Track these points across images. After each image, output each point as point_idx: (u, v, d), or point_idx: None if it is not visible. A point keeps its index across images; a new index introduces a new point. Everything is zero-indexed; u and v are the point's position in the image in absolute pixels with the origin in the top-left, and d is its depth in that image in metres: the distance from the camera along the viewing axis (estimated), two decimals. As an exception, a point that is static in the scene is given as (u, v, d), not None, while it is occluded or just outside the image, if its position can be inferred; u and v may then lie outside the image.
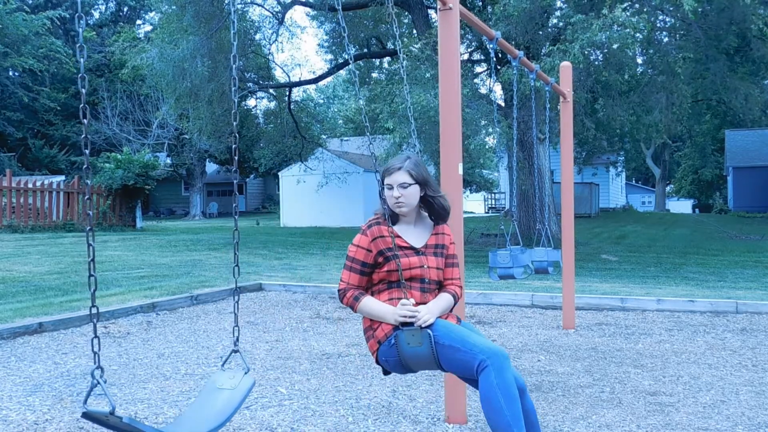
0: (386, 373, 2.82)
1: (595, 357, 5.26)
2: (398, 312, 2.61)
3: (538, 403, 4.02)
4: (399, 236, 2.77)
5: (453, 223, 3.67)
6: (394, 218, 2.80)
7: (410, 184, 2.77)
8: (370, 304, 2.71)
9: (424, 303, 2.71)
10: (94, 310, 2.00)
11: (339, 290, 2.81)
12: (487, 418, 2.51)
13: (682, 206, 47.22)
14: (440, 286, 2.85)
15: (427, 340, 2.55)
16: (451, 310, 2.88)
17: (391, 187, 2.77)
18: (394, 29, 3.29)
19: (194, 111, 18.13)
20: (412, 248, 2.77)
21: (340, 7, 3.12)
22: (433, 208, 2.85)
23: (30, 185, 17.86)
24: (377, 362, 2.77)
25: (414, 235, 2.83)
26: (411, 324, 2.59)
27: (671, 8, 11.40)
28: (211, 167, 39.77)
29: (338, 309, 7.54)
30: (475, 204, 39.97)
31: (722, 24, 12.30)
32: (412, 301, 2.64)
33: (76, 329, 6.23)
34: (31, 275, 9.47)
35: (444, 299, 2.78)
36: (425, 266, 2.76)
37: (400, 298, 2.68)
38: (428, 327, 2.58)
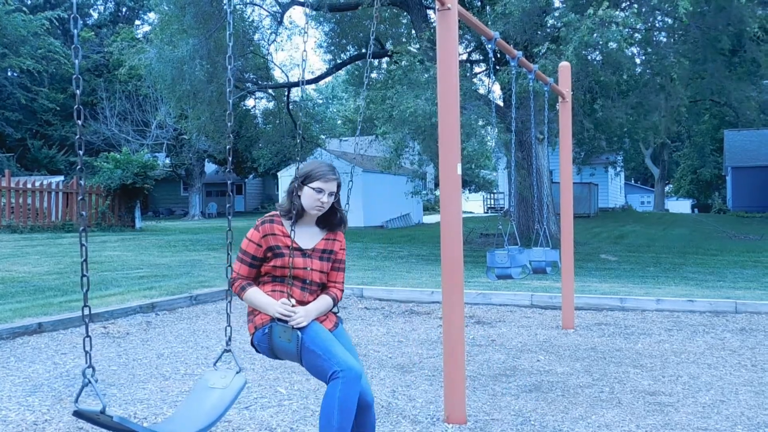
0: (258, 352, 2.98)
1: (595, 357, 5.26)
2: (278, 308, 2.78)
3: (537, 403, 4.03)
4: (290, 236, 2.90)
5: (452, 223, 3.67)
6: (295, 217, 2.92)
7: (336, 194, 2.96)
8: (256, 295, 2.86)
9: (304, 302, 2.88)
10: (86, 311, 2.01)
11: (230, 279, 2.94)
12: (319, 424, 2.70)
13: (681, 206, 47.25)
14: (322, 288, 3.01)
15: (295, 339, 2.74)
16: (337, 312, 3.10)
17: (320, 191, 2.89)
18: (371, 32, 3.30)
19: (193, 111, 18.14)
20: (299, 249, 2.92)
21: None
22: (335, 218, 3.01)
23: (29, 186, 17.85)
24: (251, 344, 2.96)
25: (305, 237, 2.96)
26: (286, 321, 2.77)
27: (669, 8, 11.40)
28: (210, 167, 39.75)
29: (338, 309, 7.53)
30: (474, 204, 39.99)
31: (719, 24, 12.31)
32: (293, 301, 2.82)
33: (76, 329, 6.22)
34: (30, 275, 9.46)
35: (323, 302, 2.94)
36: (308, 268, 2.91)
37: (281, 292, 2.86)
38: (300, 329, 2.76)
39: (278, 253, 2.86)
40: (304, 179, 2.90)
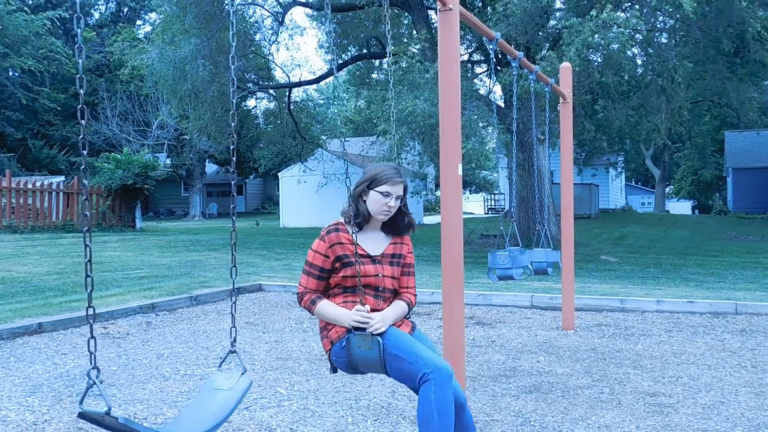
0: (334, 370, 2.89)
1: (595, 358, 5.26)
2: (353, 316, 2.68)
3: (537, 404, 4.03)
4: (358, 243, 2.79)
5: (453, 224, 3.67)
6: (361, 224, 2.83)
7: (403, 198, 2.87)
8: (327, 307, 2.77)
9: (378, 310, 2.77)
10: (90, 311, 2.00)
11: (297, 293, 2.87)
12: (419, 430, 2.60)
13: (681, 207, 47.23)
14: (395, 294, 2.91)
15: (376, 347, 2.63)
16: (407, 317, 2.95)
17: (388, 195, 2.80)
18: (387, 30, 3.28)
19: (195, 112, 18.14)
20: (368, 256, 2.82)
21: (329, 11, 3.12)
22: (402, 222, 2.92)
23: (30, 186, 17.85)
24: (329, 361, 2.85)
25: (372, 243, 2.87)
26: (363, 329, 2.66)
27: (670, 9, 11.40)
28: (210, 168, 39.78)
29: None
30: (474, 205, 39.99)
31: (721, 25, 12.30)
32: (368, 307, 2.72)
33: (76, 330, 6.23)
34: (30, 276, 9.47)
35: (399, 307, 2.84)
36: (380, 275, 2.82)
37: (354, 302, 2.76)
38: (379, 334, 2.65)
39: (347, 263, 2.76)
40: (370, 183, 2.82)
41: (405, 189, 2.87)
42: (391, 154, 15.11)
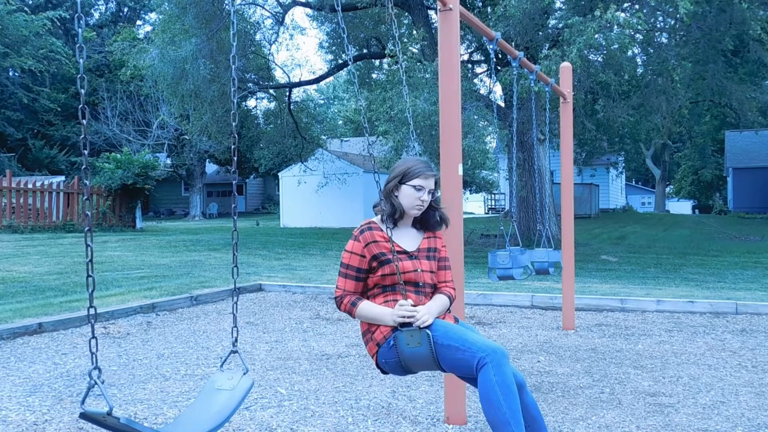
0: (385, 372, 2.82)
1: (595, 358, 5.26)
2: (397, 313, 2.62)
3: (537, 403, 4.02)
4: (393, 240, 2.76)
5: (453, 224, 3.67)
6: (396, 220, 2.80)
7: (435, 192, 2.84)
8: (368, 307, 2.72)
9: (421, 305, 2.72)
10: (92, 311, 2.00)
11: (336, 297, 2.81)
12: (486, 415, 2.52)
13: (681, 207, 47.24)
14: (434, 289, 2.87)
15: (426, 340, 2.56)
16: (448, 311, 2.90)
17: (420, 189, 2.78)
18: (394, 30, 3.28)
19: (196, 112, 18.14)
20: (405, 252, 2.78)
21: (339, 8, 3.12)
22: (434, 218, 2.89)
23: (30, 186, 17.86)
24: (377, 365, 2.78)
25: (407, 239, 2.84)
26: (410, 324, 2.60)
27: (670, 9, 11.40)
28: (210, 168, 39.78)
29: (338, 310, 7.54)
30: (474, 205, 39.98)
31: (721, 25, 12.30)
32: (410, 302, 2.65)
33: (76, 330, 6.23)
34: (30, 275, 9.47)
35: (440, 300, 2.79)
36: (419, 270, 2.78)
37: (395, 301, 2.69)
38: (427, 327, 2.59)
39: (384, 261, 2.72)
40: (401, 178, 2.79)
41: (437, 183, 2.85)
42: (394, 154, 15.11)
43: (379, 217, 2.85)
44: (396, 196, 2.81)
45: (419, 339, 2.57)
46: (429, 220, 2.89)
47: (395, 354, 2.64)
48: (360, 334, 2.87)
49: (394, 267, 2.70)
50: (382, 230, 2.79)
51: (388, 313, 2.65)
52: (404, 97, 13.31)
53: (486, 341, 2.56)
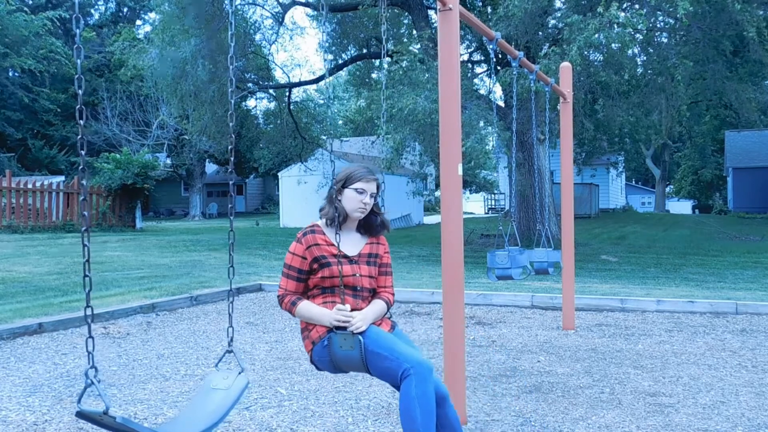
0: (319, 369, 2.92)
1: (595, 358, 5.26)
2: (334, 316, 2.72)
3: (537, 403, 4.03)
4: (333, 244, 2.84)
5: (453, 224, 3.67)
6: (340, 224, 2.88)
7: (377, 196, 2.94)
8: (307, 308, 2.82)
9: (357, 309, 2.82)
10: (89, 311, 2.01)
11: (278, 296, 2.92)
12: (402, 424, 2.64)
13: (681, 207, 47.23)
14: (373, 294, 2.96)
15: (357, 346, 2.67)
16: (389, 317, 3.01)
17: (362, 192, 2.88)
18: (382, 32, 3.27)
19: (195, 112, 18.13)
20: (345, 256, 2.87)
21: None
22: (376, 222, 2.98)
23: (30, 186, 17.86)
24: (311, 361, 2.88)
25: (349, 243, 2.93)
26: (345, 328, 2.70)
27: (670, 8, 11.40)
28: (210, 168, 39.78)
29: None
30: (475, 205, 39.99)
31: (720, 25, 12.29)
32: (348, 307, 2.76)
33: (76, 330, 6.23)
34: (30, 276, 9.47)
35: (378, 306, 2.89)
36: (357, 274, 2.87)
37: (333, 302, 2.81)
38: (360, 333, 2.70)
39: (324, 263, 2.81)
40: (344, 182, 2.88)
41: (378, 187, 2.95)
42: (391, 154, 15.11)
43: (324, 220, 2.93)
44: (339, 200, 2.90)
45: (352, 343, 2.68)
46: (372, 225, 2.98)
47: (328, 354, 2.76)
48: (299, 331, 2.94)
49: (333, 270, 2.80)
50: (324, 233, 2.89)
51: (326, 314, 2.75)
52: (398, 95, 13.38)
53: (413, 354, 2.65)
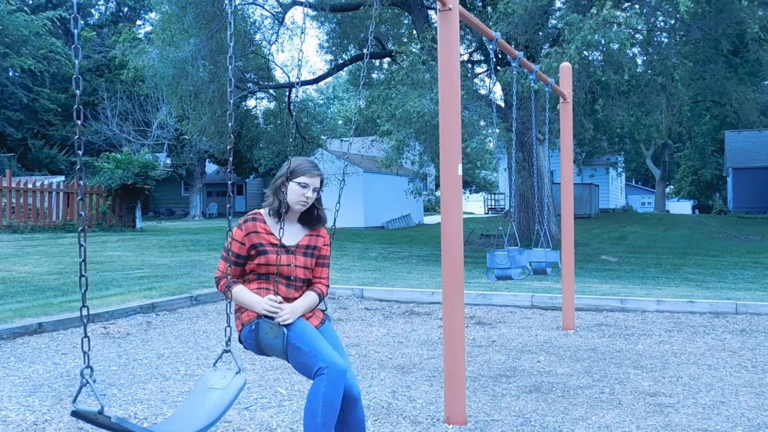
0: (246, 349, 3.00)
1: (595, 358, 5.26)
2: (264, 305, 2.80)
3: (537, 403, 4.03)
4: (272, 233, 2.93)
5: (453, 224, 3.67)
6: (281, 214, 2.96)
7: (319, 191, 3.01)
8: (242, 292, 2.88)
9: (289, 298, 2.91)
10: (84, 311, 2.01)
11: (215, 278, 2.99)
12: (304, 420, 2.72)
13: (681, 207, 47.24)
14: (307, 284, 3.04)
15: (281, 336, 2.77)
16: (324, 310, 3.11)
17: (305, 186, 2.94)
18: (369, 33, 3.29)
19: (195, 112, 18.12)
20: (283, 246, 2.94)
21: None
22: (314, 215, 3.05)
23: (30, 186, 17.85)
24: (239, 340, 2.97)
25: (288, 234, 2.99)
26: (272, 318, 2.79)
27: (670, 8, 11.40)
28: (210, 168, 39.77)
29: (338, 309, 7.54)
30: (474, 205, 40.00)
31: (721, 25, 12.29)
32: (280, 298, 2.84)
33: (76, 329, 6.23)
34: (30, 275, 9.47)
35: (309, 298, 2.97)
36: (292, 265, 2.94)
37: (267, 289, 2.89)
38: (286, 326, 2.79)
39: (261, 251, 2.89)
40: (289, 175, 2.95)
41: (321, 182, 3.02)
42: (391, 155, 15.11)
43: (267, 210, 3.00)
44: (283, 192, 2.96)
45: (276, 333, 2.78)
46: (311, 218, 3.05)
47: (254, 337, 2.86)
48: (233, 311, 3.03)
49: (270, 258, 2.88)
50: (265, 222, 2.96)
51: (258, 302, 2.83)
52: (402, 96, 13.37)
53: (330, 354, 2.73)
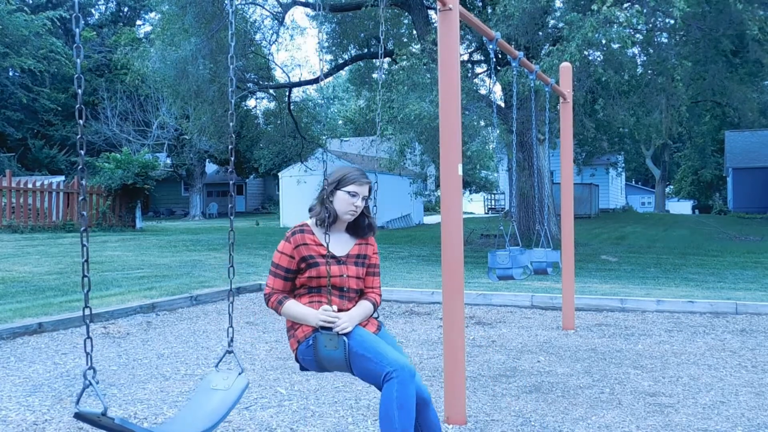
0: (303, 369, 2.93)
1: (595, 358, 5.26)
2: (320, 316, 2.72)
3: (537, 403, 4.03)
4: (322, 244, 2.85)
5: (453, 224, 3.67)
6: (329, 225, 2.88)
7: (369, 199, 2.96)
8: (294, 307, 2.82)
9: (343, 310, 2.83)
10: (87, 311, 2.00)
11: (264, 294, 2.92)
12: (380, 426, 2.65)
13: (681, 207, 47.24)
14: (360, 294, 2.97)
15: (342, 346, 2.68)
16: (376, 317, 3.03)
17: (355, 195, 2.88)
18: (381, 33, 3.29)
19: (195, 111, 18.12)
20: (333, 257, 2.88)
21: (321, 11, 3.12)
22: (364, 224, 2.99)
23: (30, 185, 17.85)
24: (296, 359, 2.89)
25: (338, 244, 2.93)
26: (330, 329, 2.71)
27: (670, 9, 11.40)
28: (210, 168, 39.78)
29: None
30: (475, 205, 40.00)
31: (721, 25, 12.29)
32: (335, 307, 2.76)
33: (76, 329, 6.23)
34: (30, 275, 9.46)
35: (364, 307, 2.90)
36: (344, 275, 2.87)
37: (320, 302, 2.81)
38: (345, 334, 2.71)
39: (312, 263, 2.81)
40: (337, 184, 2.89)
41: (370, 190, 2.95)
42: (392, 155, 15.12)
43: (314, 220, 2.94)
44: (331, 201, 2.90)
45: (336, 343, 2.69)
46: (360, 226, 2.99)
47: (313, 353, 2.77)
48: (285, 330, 2.95)
49: (321, 270, 2.81)
50: (313, 233, 2.89)
51: (312, 314, 2.75)
52: (400, 97, 13.36)
53: (397, 357, 2.66)
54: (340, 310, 2.80)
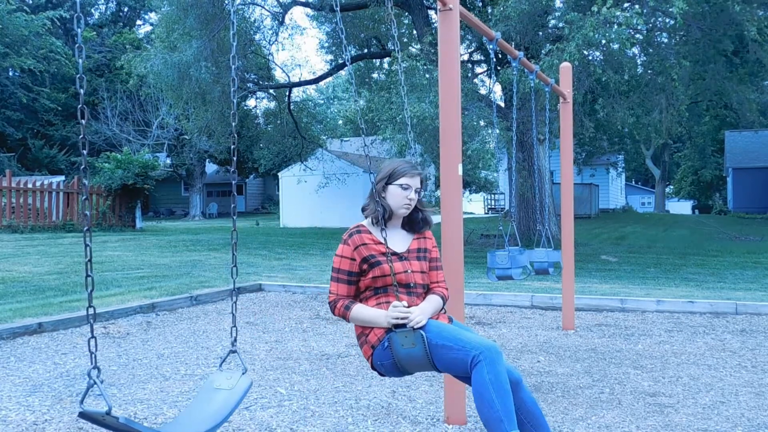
0: (382, 375, 2.82)
1: (595, 358, 5.26)
2: (390, 314, 2.62)
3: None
4: (381, 242, 2.77)
5: (453, 224, 3.67)
6: (385, 222, 2.80)
7: (421, 191, 2.86)
8: (362, 311, 2.72)
9: (414, 306, 2.72)
10: (91, 311, 2.00)
11: (329, 302, 2.82)
12: (479, 413, 2.52)
13: (681, 207, 47.24)
14: (426, 290, 2.88)
15: (420, 341, 2.56)
16: (443, 311, 2.92)
17: (407, 188, 2.80)
18: (393, 31, 3.29)
19: (195, 111, 18.11)
20: (395, 253, 2.79)
21: (338, 9, 3.12)
22: (419, 218, 2.90)
23: (30, 185, 17.86)
24: (373, 368, 2.77)
25: (397, 240, 2.85)
26: (404, 326, 2.60)
27: (669, 8, 11.41)
28: (210, 167, 39.77)
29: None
30: (475, 205, 39.98)
31: (721, 25, 12.29)
32: (404, 303, 2.65)
33: (76, 329, 6.23)
34: (30, 275, 9.47)
35: (434, 301, 2.81)
36: (409, 271, 2.79)
37: (387, 303, 2.71)
38: (421, 328, 2.60)
39: (374, 263, 2.73)
40: (388, 179, 2.81)
41: (422, 181, 2.86)
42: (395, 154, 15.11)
43: (369, 219, 2.87)
44: (384, 197, 2.82)
45: (413, 340, 2.57)
46: (415, 221, 2.90)
47: (390, 355, 2.65)
48: (356, 337, 2.85)
49: (384, 269, 2.71)
50: (371, 233, 2.81)
51: (382, 315, 2.66)
52: (403, 99, 13.30)
53: (480, 339, 2.57)
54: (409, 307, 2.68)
